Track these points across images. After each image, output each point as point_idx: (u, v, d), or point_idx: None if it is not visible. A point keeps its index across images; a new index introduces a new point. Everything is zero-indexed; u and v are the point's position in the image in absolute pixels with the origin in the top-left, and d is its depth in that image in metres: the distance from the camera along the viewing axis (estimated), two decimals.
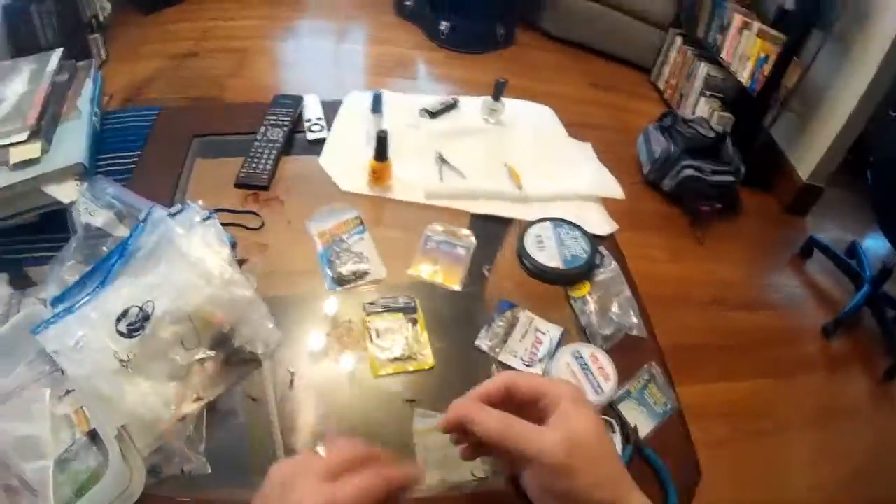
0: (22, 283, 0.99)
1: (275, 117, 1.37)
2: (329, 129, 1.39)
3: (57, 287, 0.90)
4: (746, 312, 2.71)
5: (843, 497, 2.14)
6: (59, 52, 1.27)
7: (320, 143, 1.36)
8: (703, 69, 3.51)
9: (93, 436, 0.78)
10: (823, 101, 3.05)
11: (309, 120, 1.40)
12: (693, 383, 2.26)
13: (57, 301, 0.87)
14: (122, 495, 0.74)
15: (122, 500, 0.74)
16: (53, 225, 1.04)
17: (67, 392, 0.82)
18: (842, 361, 2.65)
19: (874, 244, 3.10)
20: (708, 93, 3.47)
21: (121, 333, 0.82)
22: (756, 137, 3.20)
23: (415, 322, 1.02)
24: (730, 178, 2.94)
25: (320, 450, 0.74)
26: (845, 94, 2.91)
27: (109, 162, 1.24)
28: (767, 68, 3.03)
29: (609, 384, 0.95)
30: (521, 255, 1.16)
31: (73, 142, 1.12)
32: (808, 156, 3.15)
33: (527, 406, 0.64)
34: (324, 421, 0.90)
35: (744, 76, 3.20)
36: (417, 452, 0.87)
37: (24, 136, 1.06)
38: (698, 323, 2.60)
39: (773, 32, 3.01)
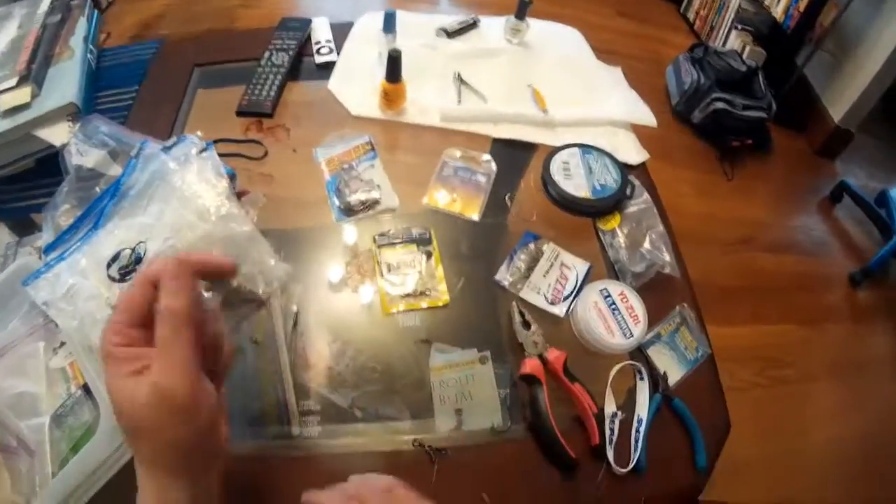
0: (26, 230, 0.96)
1: (280, 41, 1.29)
2: (339, 53, 1.31)
3: (51, 234, 0.87)
4: (773, 254, 2.62)
5: (860, 451, 2.08)
6: None
7: (330, 66, 1.28)
8: (735, 1, 3.34)
9: (88, 389, 0.76)
10: (860, 43, 2.91)
11: (318, 43, 1.32)
12: (718, 325, 2.20)
13: (50, 248, 0.84)
14: (118, 451, 0.71)
15: (118, 455, 0.72)
16: (51, 169, 1.00)
17: (61, 344, 0.80)
18: (868, 313, 2.56)
19: None
20: (739, 26, 3.31)
21: (112, 278, 0.78)
22: (788, 75, 3.06)
23: (429, 255, 0.95)
24: (761, 113, 2.82)
25: None
26: (883, 38, 2.77)
27: (108, 99, 1.19)
28: (803, 4, 2.88)
29: (639, 326, 0.89)
30: (547, 183, 1.08)
31: (65, 83, 1.09)
32: (842, 98, 3.02)
33: None
34: (335, 361, 0.85)
35: (778, 11, 3.04)
36: (433, 388, 0.83)
37: (13, 82, 1.04)
38: (724, 262, 2.51)
39: None
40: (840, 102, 3.03)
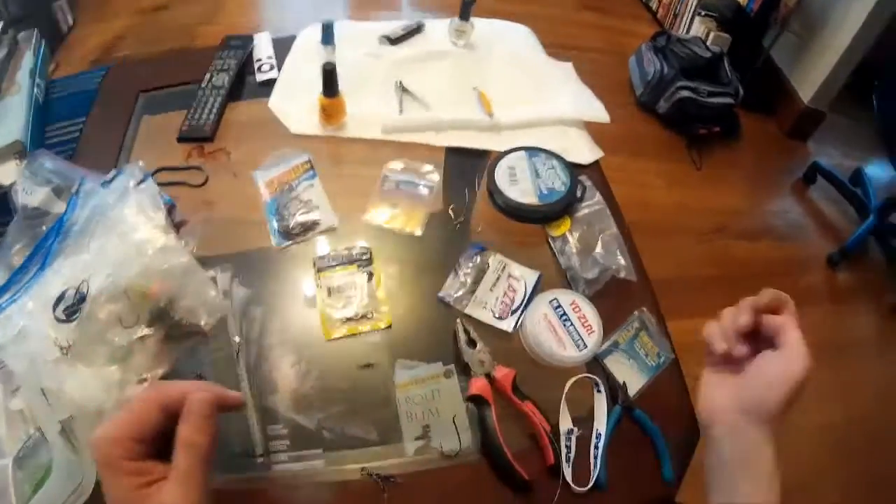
0: None
1: (221, 62, 1.26)
2: (280, 69, 1.28)
3: (4, 274, 0.86)
4: (748, 241, 2.59)
5: (855, 435, 2.06)
6: None
7: (271, 84, 1.25)
8: None
9: None
10: (826, 21, 2.89)
11: (259, 60, 1.29)
12: (692, 317, 2.17)
13: (2, 290, 0.83)
14: (77, 490, 0.72)
15: (76, 495, 0.72)
16: (4, 209, 0.98)
17: (18, 387, 0.79)
18: (848, 294, 2.55)
19: (878, 171, 2.98)
20: (703, 12, 3.28)
21: (59, 319, 0.78)
22: (755, 59, 3.05)
23: (370, 276, 0.92)
24: (728, 99, 2.80)
25: None
26: (849, 15, 2.76)
27: (58, 132, 1.18)
28: None
29: (593, 337, 0.87)
30: (492, 190, 1.05)
31: (11, 120, 1.08)
32: (810, 79, 3.00)
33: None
34: (295, 381, 0.84)
35: None
36: (399, 406, 0.82)
37: None
38: (698, 253, 2.49)
39: None
40: (809, 83, 3.01)
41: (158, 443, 0.53)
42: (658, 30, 3.32)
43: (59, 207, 0.93)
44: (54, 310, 0.78)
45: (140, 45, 3.07)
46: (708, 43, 3.01)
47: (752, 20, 3.00)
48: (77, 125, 1.18)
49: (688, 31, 3.33)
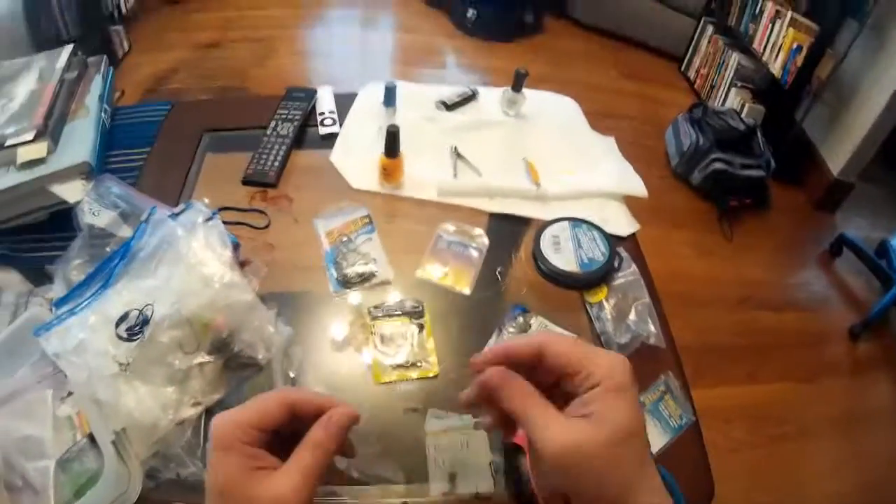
0: (39, 279, 0.99)
1: (286, 111, 1.34)
2: (342, 124, 1.36)
3: (63, 287, 0.90)
4: (773, 312, 2.63)
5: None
6: (69, 48, 1.26)
7: (332, 137, 1.32)
8: (734, 59, 3.41)
9: (93, 438, 0.78)
10: (857, 93, 2.95)
11: (322, 113, 1.37)
12: (715, 385, 2.23)
13: (61, 302, 0.87)
14: (120, 498, 0.74)
15: (121, 501, 0.74)
16: (64, 223, 1.02)
17: (69, 394, 0.82)
18: (868, 365, 2.57)
19: None
20: (739, 83, 3.38)
21: (120, 337, 0.81)
22: (787, 130, 3.11)
23: (421, 327, 0.99)
24: (760, 172, 2.86)
25: None
26: (879, 87, 2.81)
27: (119, 159, 1.23)
28: (800, 59, 2.94)
29: None
30: (537, 256, 1.12)
31: (80, 141, 1.12)
32: (840, 150, 3.05)
33: (560, 374, 0.56)
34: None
35: (776, 67, 3.11)
36: (429, 453, 0.85)
37: (30, 135, 1.06)
38: (724, 322, 2.53)
39: (807, 22, 2.91)
40: (839, 154, 3.05)
41: (273, 439, 0.54)
42: (695, 100, 3.40)
43: (125, 231, 0.97)
44: (116, 328, 0.81)
45: (192, 79, 3.20)
46: (743, 115, 3.08)
47: (785, 92, 3.06)
48: (137, 154, 1.24)
49: (724, 102, 3.39)
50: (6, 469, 0.75)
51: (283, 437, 0.55)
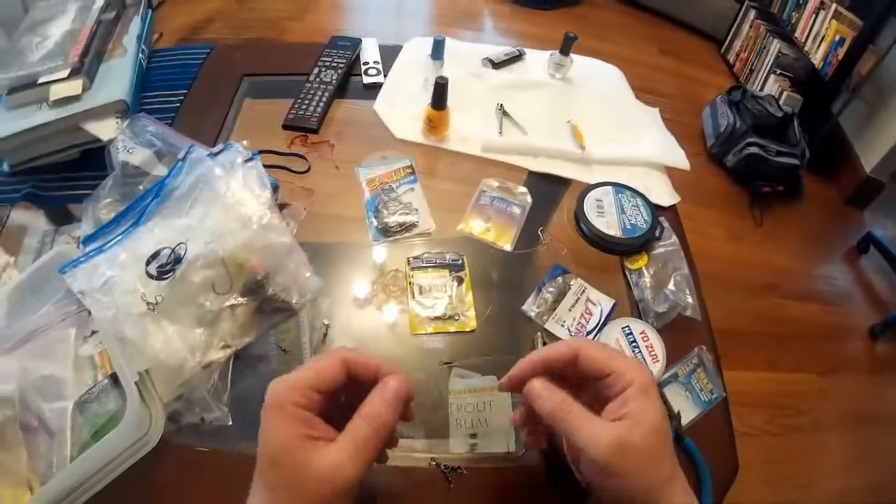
0: (63, 219, 0.98)
1: (330, 59, 1.32)
2: (386, 75, 1.35)
3: (91, 225, 0.89)
4: (797, 302, 2.62)
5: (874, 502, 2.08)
6: None
7: (376, 87, 1.31)
8: (775, 46, 3.36)
9: (115, 379, 0.77)
10: (895, 93, 2.91)
11: (366, 63, 1.36)
12: (736, 369, 2.23)
13: (89, 240, 0.86)
14: (140, 441, 0.73)
15: (139, 445, 0.73)
16: (96, 162, 1.02)
17: (93, 333, 0.82)
18: (886, 366, 2.55)
19: None
20: (778, 71, 3.33)
21: (150, 275, 0.79)
22: (823, 123, 3.07)
23: (460, 281, 0.98)
24: (794, 160, 2.83)
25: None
26: None
27: (156, 100, 1.22)
28: (841, 52, 2.90)
29: (657, 365, 0.92)
30: (579, 219, 1.11)
31: (116, 79, 1.11)
32: (875, 148, 3.02)
33: (591, 379, 0.60)
34: None
35: (816, 58, 3.07)
36: (451, 412, 0.84)
37: (65, 73, 1.05)
38: (748, 307, 2.51)
39: (850, 16, 2.88)
40: (872, 152, 3.03)
41: (330, 408, 0.54)
42: (733, 83, 3.35)
43: (159, 170, 0.96)
44: (147, 266, 0.79)
45: (227, 30, 3.18)
46: (780, 102, 3.04)
47: (825, 84, 3.03)
48: (175, 97, 1.23)
49: (762, 88, 3.36)
50: (22, 409, 0.74)
51: (340, 406, 0.55)
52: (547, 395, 0.59)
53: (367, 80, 1.33)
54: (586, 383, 0.61)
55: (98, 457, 0.70)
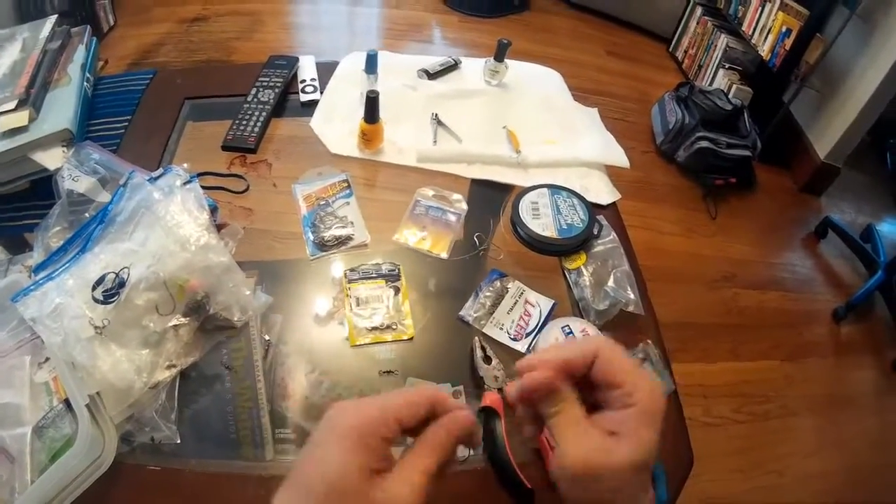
0: (17, 248, 0.98)
1: (267, 79, 1.33)
2: (322, 92, 1.35)
3: (42, 253, 0.90)
4: (756, 291, 2.64)
5: (846, 487, 2.09)
6: (53, 18, 1.25)
7: (314, 104, 1.32)
8: (722, 41, 3.41)
9: (69, 403, 0.77)
10: (845, 79, 2.96)
11: (303, 81, 1.37)
12: (695, 361, 2.24)
13: (39, 268, 0.87)
14: (95, 462, 0.74)
15: (94, 468, 0.74)
16: (46, 191, 1.02)
17: (46, 359, 0.82)
18: (851, 348, 2.59)
19: (890, 229, 3.05)
20: (727, 65, 3.37)
21: (96, 300, 0.80)
22: (774, 113, 3.11)
23: (397, 290, 0.98)
24: (745, 152, 2.86)
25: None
26: (868, 74, 2.82)
27: (102, 127, 1.22)
28: (789, 42, 2.94)
29: None
30: (515, 222, 1.11)
31: (61, 108, 1.11)
32: (827, 134, 3.07)
33: (604, 381, 0.55)
34: (311, 391, 0.88)
35: (764, 49, 3.10)
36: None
37: (12, 104, 1.05)
38: (707, 300, 2.53)
39: (796, 6, 2.91)
40: (825, 138, 3.07)
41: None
42: (682, 80, 3.39)
43: (103, 197, 0.97)
44: (93, 291, 0.80)
45: (177, 53, 3.17)
46: (730, 96, 3.08)
47: (773, 75, 3.07)
48: (120, 122, 1.23)
49: (711, 83, 3.40)
50: None
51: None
52: (548, 389, 0.54)
53: (304, 97, 1.33)
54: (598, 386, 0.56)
55: (54, 479, 0.70)
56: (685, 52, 3.80)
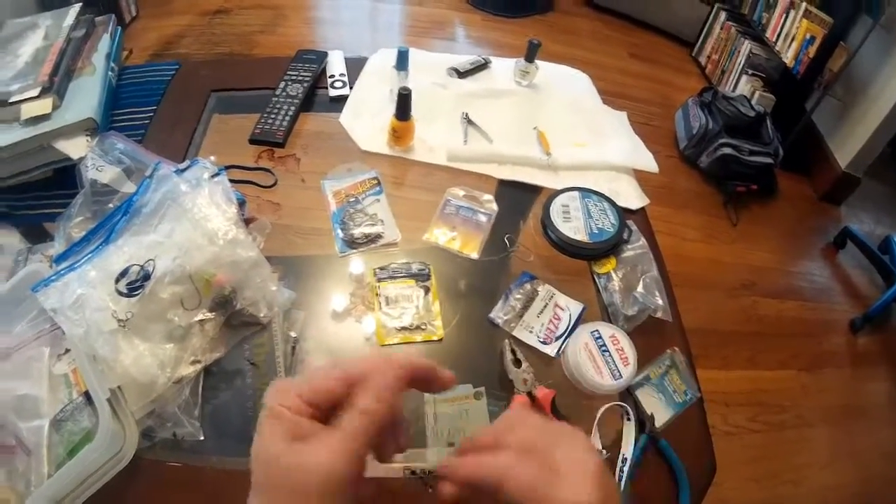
0: (37, 238, 0.98)
1: (296, 73, 1.33)
2: (352, 87, 1.35)
3: (63, 243, 0.89)
4: (775, 300, 2.62)
5: (859, 499, 2.07)
6: (77, 7, 1.25)
7: (343, 100, 1.31)
8: (746, 47, 3.38)
9: (89, 396, 0.76)
10: (867, 89, 2.92)
11: (332, 76, 1.36)
12: (715, 368, 2.23)
13: (60, 258, 0.86)
14: (115, 457, 0.73)
15: (114, 462, 0.73)
16: (68, 180, 1.02)
17: (66, 351, 0.81)
18: (867, 359, 2.56)
19: None
20: (750, 71, 3.35)
21: (120, 293, 0.79)
22: (797, 121, 3.07)
23: (427, 290, 0.98)
24: (767, 159, 2.83)
25: None
26: (890, 85, 2.79)
27: (126, 117, 1.22)
28: (812, 50, 2.91)
29: (628, 369, 0.91)
30: (546, 225, 1.11)
31: (85, 97, 1.10)
32: (848, 144, 3.03)
33: None
34: None
35: (788, 57, 3.08)
36: (427, 421, 0.84)
37: (35, 91, 1.04)
38: (726, 307, 2.51)
39: (821, 14, 2.88)
40: (847, 148, 3.04)
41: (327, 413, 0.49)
42: (705, 85, 3.37)
43: (128, 187, 0.96)
44: (116, 283, 0.79)
45: (199, 45, 3.16)
46: (753, 102, 3.05)
47: (797, 82, 3.04)
48: (144, 113, 1.23)
49: (734, 89, 3.37)
50: None
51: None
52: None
53: (333, 92, 1.33)
54: None
55: (74, 473, 0.69)
56: (708, 56, 3.77)
